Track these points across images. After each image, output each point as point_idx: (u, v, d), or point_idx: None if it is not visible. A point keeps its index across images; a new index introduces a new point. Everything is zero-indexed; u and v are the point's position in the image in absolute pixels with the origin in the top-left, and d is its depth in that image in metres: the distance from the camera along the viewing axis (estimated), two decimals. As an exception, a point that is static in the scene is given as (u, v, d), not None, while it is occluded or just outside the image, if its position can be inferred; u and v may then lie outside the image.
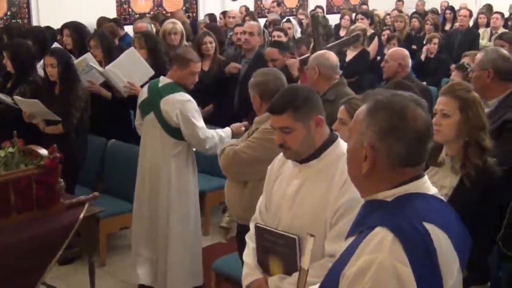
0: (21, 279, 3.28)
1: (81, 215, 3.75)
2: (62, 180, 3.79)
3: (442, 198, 1.85)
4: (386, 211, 1.69)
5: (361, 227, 1.74)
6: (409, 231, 1.61)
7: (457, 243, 1.73)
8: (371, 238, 1.64)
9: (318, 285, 1.91)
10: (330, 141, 2.55)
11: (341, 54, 7.30)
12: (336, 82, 4.37)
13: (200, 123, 4.18)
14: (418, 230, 1.62)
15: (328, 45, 5.46)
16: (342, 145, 2.54)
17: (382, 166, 1.70)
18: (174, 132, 4.19)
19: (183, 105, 4.13)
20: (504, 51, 3.73)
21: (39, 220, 3.63)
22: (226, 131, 4.33)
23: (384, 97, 1.73)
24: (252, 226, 2.74)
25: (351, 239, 1.77)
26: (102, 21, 8.48)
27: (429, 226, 1.65)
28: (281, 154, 2.68)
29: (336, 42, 5.96)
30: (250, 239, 2.74)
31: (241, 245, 3.04)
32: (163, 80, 4.25)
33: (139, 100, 4.40)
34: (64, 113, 4.81)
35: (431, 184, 1.80)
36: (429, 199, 1.75)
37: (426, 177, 1.78)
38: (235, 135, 4.30)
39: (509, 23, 9.89)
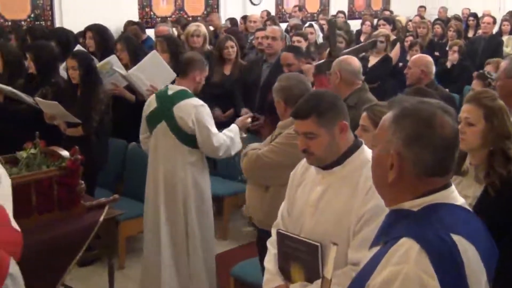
0: (41, 280, 3.28)
1: (101, 217, 3.76)
2: (83, 182, 3.81)
3: (469, 208, 1.81)
4: (412, 222, 1.65)
5: (386, 237, 1.70)
6: (436, 242, 1.58)
7: (484, 255, 1.69)
8: (396, 249, 1.60)
9: None
10: (354, 147, 2.52)
11: (363, 60, 7.29)
12: (358, 88, 4.34)
13: (213, 129, 4.12)
14: (445, 241, 1.59)
15: (344, 51, 5.43)
16: (366, 151, 2.51)
17: (409, 175, 1.67)
18: (189, 140, 4.12)
19: (197, 110, 4.07)
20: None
21: (60, 221, 3.64)
22: (233, 130, 4.27)
23: (411, 104, 1.70)
24: (274, 232, 2.72)
25: (375, 249, 1.74)
26: (128, 25, 8.56)
27: (456, 238, 1.61)
28: (305, 159, 2.66)
29: (353, 48, 5.92)
30: (271, 245, 2.72)
31: (262, 251, 3.03)
32: (173, 88, 4.20)
33: (146, 111, 4.29)
34: (85, 116, 4.83)
35: None
36: (457, 209, 1.71)
37: (453, 187, 1.74)
38: (242, 129, 4.32)
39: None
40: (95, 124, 4.88)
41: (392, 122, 1.69)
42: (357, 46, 6.05)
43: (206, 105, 4.15)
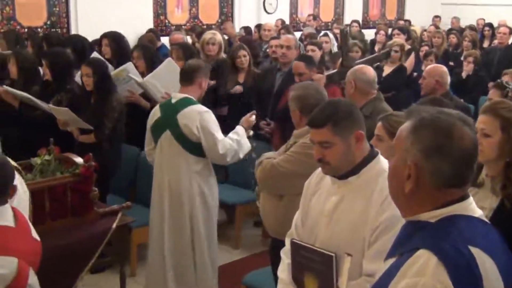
0: (54, 286, 3.29)
1: (114, 224, 3.78)
2: (96, 188, 3.82)
3: (487, 221, 1.78)
4: (429, 233, 1.63)
5: (402, 249, 1.68)
6: (454, 254, 1.56)
7: (503, 269, 1.66)
8: (413, 261, 1.58)
9: None
10: (370, 157, 2.50)
11: (377, 69, 7.26)
12: (373, 97, 4.33)
13: (219, 135, 4.08)
14: (463, 254, 1.56)
15: (357, 61, 5.40)
16: (382, 161, 2.49)
17: (426, 185, 1.65)
18: (194, 148, 4.09)
19: (202, 117, 4.04)
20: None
21: (73, 228, 3.67)
22: (239, 132, 4.22)
23: (430, 114, 1.68)
24: (287, 241, 2.70)
25: (391, 260, 1.72)
26: (147, 33, 8.65)
27: (474, 250, 1.59)
28: (319, 169, 2.64)
29: (366, 58, 5.89)
30: (285, 254, 2.70)
31: (275, 260, 3.01)
32: (176, 96, 4.16)
33: (150, 122, 4.26)
34: (97, 123, 4.84)
35: None
36: (475, 221, 1.69)
37: (471, 199, 1.72)
38: (247, 128, 4.30)
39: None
40: (108, 131, 4.89)
41: (410, 133, 1.67)
42: (371, 56, 6.01)
43: (210, 112, 4.14)
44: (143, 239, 4.98)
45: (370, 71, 4.44)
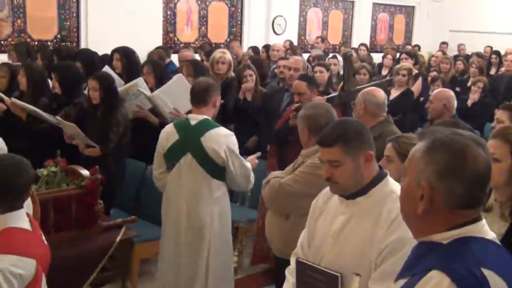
0: (56, 299, 3.28)
1: (118, 238, 3.77)
2: (101, 201, 3.81)
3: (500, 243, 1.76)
4: (441, 254, 1.62)
5: (413, 270, 1.67)
6: (467, 276, 1.55)
7: None
8: (426, 282, 1.58)
9: None
10: (379, 178, 2.49)
11: (385, 92, 7.27)
12: (382, 120, 4.33)
13: (243, 159, 3.98)
14: (476, 276, 1.55)
15: (358, 87, 5.38)
16: (391, 183, 2.49)
17: (440, 206, 1.64)
18: (218, 172, 3.91)
19: (229, 140, 3.89)
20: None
21: (77, 240, 3.68)
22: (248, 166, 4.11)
23: (444, 135, 1.68)
24: (293, 260, 2.68)
25: (402, 281, 1.71)
26: (156, 50, 8.72)
27: (487, 272, 1.57)
28: (327, 189, 2.63)
29: (368, 84, 5.85)
30: (290, 274, 2.68)
31: (279, 279, 2.98)
32: (194, 117, 3.94)
33: (164, 145, 3.98)
34: (102, 137, 4.85)
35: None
36: (488, 244, 1.67)
37: (484, 221, 1.70)
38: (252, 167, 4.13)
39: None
40: (112, 146, 4.89)
41: (425, 154, 1.67)
42: (373, 83, 5.99)
43: (233, 134, 4.01)
44: (146, 254, 4.97)
45: (381, 94, 4.45)
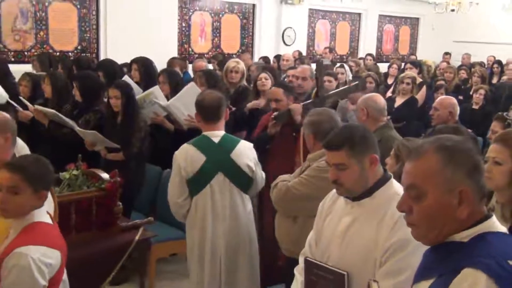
0: (76, 296, 3.30)
1: (136, 238, 3.78)
2: (120, 203, 3.84)
3: None
4: (467, 252, 1.62)
5: (439, 270, 1.67)
6: (500, 270, 1.54)
7: None
8: (461, 280, 1.57)
9: None
10: (383, 180, 2.50)
11: (390, 100, 7.27)
12: (382, 124, 4.34)
13: None
14: (506, 269, 1.55)
15: (330, 92, 5.15)
16: (395, 185, 2.49)
17: (474, 203, 1.66)
18: (248, 185, 3.75)
19: (253, 152, 3.77)
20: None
21: (96, 240, 3.68)
22: None
23: (450, 141, 1.71)
24: (301, 259, 2.69)
25: (425, 283, 1.71)
26: (171, 61, 8.77)
27: None
28: (333, 191, 2.64)
29: (338, 89, 5.68)
30: (298, 272, 2.69)
31: (288, 277, 2.99)
32: (215, 135, 3.67)
33: (191, 169, 3.59)
34: (124, 142, 4.89)
35: None
36: (505, 237, 1.68)
37: (494, 217, 1.72)
38: None
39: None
40: (135, 150, 4.93)
41: (447, 162, 1.65)
42: (342, 88, 5.79)
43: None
44: (162, 254, 5.01)
45: (381, 100, 4.45)
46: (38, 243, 2.35)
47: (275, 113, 4.54)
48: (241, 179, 3.68)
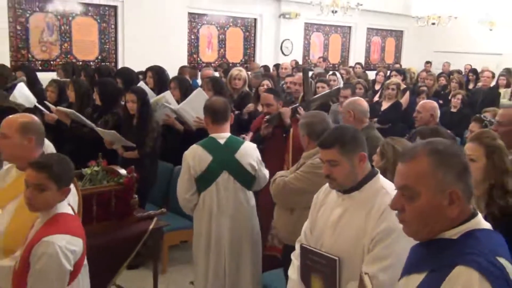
0: (97, 279, 3.28)
1: (150, 227, 3.78)
2: (136, 196, 3.84)
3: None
4: (459, 249, 1.56)
5: (431, 265, 1.59)
6: (491, 268, 1.49)
7: None
8: (455, 278, 1.50)
9: None
10: (371, 175, 2.49)
11: (377, 104, 7.27)
12: (366, 125, 4.32)
13: None
14: (497, 266, 1.50)
15: (314, 96, 5.15)
16: (381, 180, 2.50)
17: (464, 202, 1.60)
18: (251, 182, 3.69)
19: (257, 152, 3.71)
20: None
21: (115, 229, 3.68)
22: None
23: (443, 145, 1.64)
24: (297, 246, 2.69)
25: (417, 276, 1.64)
26: (182, 68, 8.78)
27: (502, 261, 1.53)
28: (326, 185, 2.64)
29: (321, 94, 5.63)
30: (295, 257, 2.69)
31: (286, 262, 2.99)
32: (222, 136, 3.62)
33: (199, 168, 3.55)
34: (139, 142, 4.88)
35: None
36: (491, 233, 1.63)
37: (480, 214, 1.67)
38: None
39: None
40: (149, 149, 4.93)
41: (438, 165, 1.59)
42: (325, 92, 5.70)
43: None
44: (173, 241, 5.02)
45: (364, 103, 4.45)
46: (63, 232, 2.36)
47: (267, 117, 4.51)
48: (245, 177, 3.63)
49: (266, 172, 3.76)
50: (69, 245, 2.34)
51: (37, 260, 2.30)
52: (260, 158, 3.72)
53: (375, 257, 2.31)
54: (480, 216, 1.65)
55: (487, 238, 1.58)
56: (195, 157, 3.55)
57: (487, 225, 1.65)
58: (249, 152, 3.64)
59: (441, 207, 1.58)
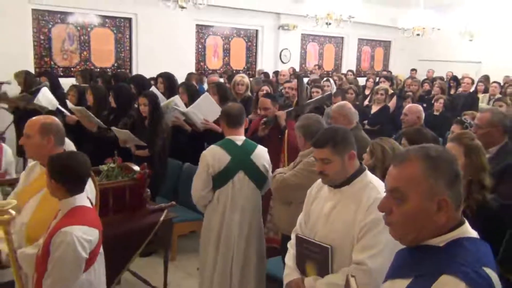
0: (112, 265, 3.29)
1: (161, 218, 3.78)
2: (148, 190, 3.84)
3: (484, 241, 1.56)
4: (445, 258, 1.42)
5: (415, 272, 1.46)
6: (477, 278, 1.36)
7: None
8: (440, 286, 1.37)
9: None
10: (359, 171, 2.51)
11: (367, 108, 7.26)
12: (354, 126, 4.35)
13: None
14: (483, 276, 1.37)
15: (308, 101, 5.12)
16: (369, 175, 2.50)
17: (452, 210, 1.47)
18: (263, 183, 3.61)
19: (267, 155, 3.64)
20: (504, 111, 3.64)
21: (129, 220, 3.69)
22: None
23: (436, 151, 1.50)
24: (293, 236, 2.69)
25: (402, 281, 1.49)
26: (190, 75, 8.79)
27: (488, 271, 1.40)
28: (319, 181, 2.65)
29: (314, 99, 5.57)
30: (290, 246, 2.69)
31: (284, 251, 3.00)
32: (238, 139, 3.55)
33: (218, 166, 3.46)
34: (150, 141, 4.89)
35: None
36: (477, 242, 1.49)
37: (467, 222, 1.53)
38: None
39: (507, 90, 9.66)
40: (158, 148, 4.93)
41: (430, 171, 1.46)
42: (317, 98, 5.65)
43: None
44: (182, 231, 5.02)
45: (352, 107, 4.52)
46: (80, 223, 2.36)
47: (264, 119, 4.46)
48: (258, 177, 3.57)
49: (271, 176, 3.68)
50: (85, 235, 2.35)
51: (56, 248, 2.31)
52: (269, 161, 3.64)
53: (364, 246, 2.32)
54: (467, 225, 1.52)
55: (473, 248, 1.45)
56: (215, 156, 3.47)
57: (474, 234, 1.52)
58: (263, 155, 3.59)
59: (428, 213, 1.45)
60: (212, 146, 3.53)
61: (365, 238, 2.33)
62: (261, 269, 3.69)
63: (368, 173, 2.52)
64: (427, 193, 1.45)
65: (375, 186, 2.41)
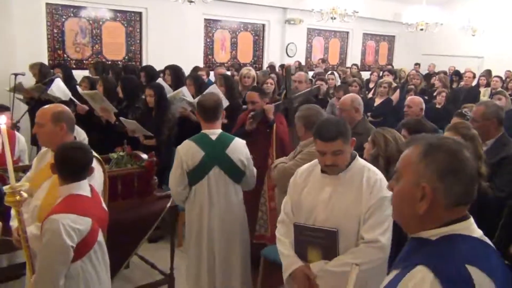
0: (121, 249, 3.33)
1: (168, 205, 3.80)
2: (156, 177, 3.86)
3: (489, 242, 1.45)
4: (429, 250, 1.36)
5: (404, 263, 1.41)
6: (450, 272, 1.29)
7: None
8: (411, 276, 1.32)
9: None
10: (353, 156, 2.56)
11: (371, 100, 7.23)
12: (362, 118, 4.27)
13: None
14: (460, 273, 1.29)
15: (296, 94, 4.85)
16: (360, 160, 2.57)
17: (439, 205, 1.37)
18: (240, 177, 3.43)
19: (246, 148, 3.45)
20: (499, 103, 3.62)
21: (137, 206, 3.70)
22: None
23: (437, 139, 1.43)
24: (279, 226, 2.65)
25: (395, 272, 1.44)
26: (196, 68, 8.78)
27: (472, 270, 1.30)
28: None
29: (303, 91, 5.35)
30: (281, 235, 2.62)
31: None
32: (212, 133, 3.36)
33: (191, 163, 3.30)
34: (157, 131, 4.91)
35: None
36: (474, 241, 1.39)
37: (472, 219, 1.43)
38: None
39: (508, 84, 9.59)
40: (164, 137, 4.94)
41: (423, 156, 1.39)
42: (306, 90, 5.46)
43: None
44: (187, 218, 5.03)
45: (361, 100, 4.43)
46: (69, 211, 2.33)
47: (252, 113, 4.25)
48: (234, 172, 3.38)
49: (254, 171, 3.51)
50: (73, 224, 2.30)
51: (43, 234, 2.30)
52: (249, 155, 3.45)
53: (374, 224, 2.36)
54: (470, 222, 1.41)
55: (465, 245, 1.36)
56: (188, 152, 3.30)
57: (476, 232, 1.41)
58: (239, 149, 3.38)
59: (412, 198, 1.38)
60: (186, 141, 3.37)
61: (373, 218, 2.38)
62: (246, 262, 3.57)
63: (358, 158, 2.57)
64: (415, 175, 1.39)
65: (370, 168, 2.49)
